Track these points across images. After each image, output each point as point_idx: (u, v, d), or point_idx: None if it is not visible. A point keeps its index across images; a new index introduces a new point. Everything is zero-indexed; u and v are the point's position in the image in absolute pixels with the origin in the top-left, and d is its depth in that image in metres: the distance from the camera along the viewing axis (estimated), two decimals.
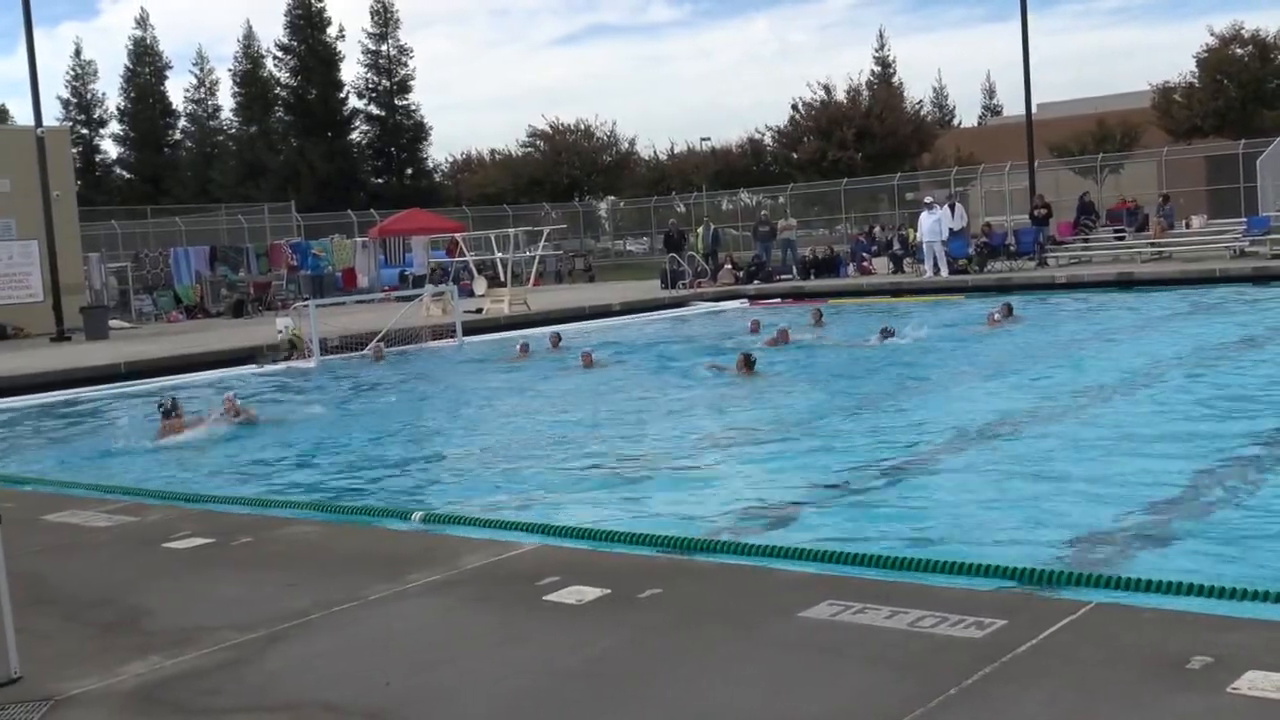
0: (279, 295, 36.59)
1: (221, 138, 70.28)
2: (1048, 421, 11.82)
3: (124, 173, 70.13)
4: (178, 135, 71.41)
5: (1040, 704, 4.03)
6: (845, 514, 8.56)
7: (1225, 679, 4.05)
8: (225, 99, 70.58)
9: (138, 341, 26.14)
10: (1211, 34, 49.86)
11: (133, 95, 69.43)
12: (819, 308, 23.49)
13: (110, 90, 71.63)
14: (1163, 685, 4.08)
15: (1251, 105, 47.62)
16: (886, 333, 18.75)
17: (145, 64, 69.98)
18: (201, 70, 71.35)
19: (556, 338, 21.10)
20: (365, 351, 21.59)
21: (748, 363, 15.83)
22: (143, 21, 70.27)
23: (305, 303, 23.50)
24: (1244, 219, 32.53)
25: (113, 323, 30.36)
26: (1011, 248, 32.38)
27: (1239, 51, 48.90)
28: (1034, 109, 36.79)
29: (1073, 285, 27.66)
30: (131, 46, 69.93)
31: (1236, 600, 5.33)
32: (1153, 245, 32.13)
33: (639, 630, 5.07)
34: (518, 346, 20.46)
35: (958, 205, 33.29)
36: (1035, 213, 33.59)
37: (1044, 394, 13.42)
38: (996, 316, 20.53)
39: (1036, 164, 37.38)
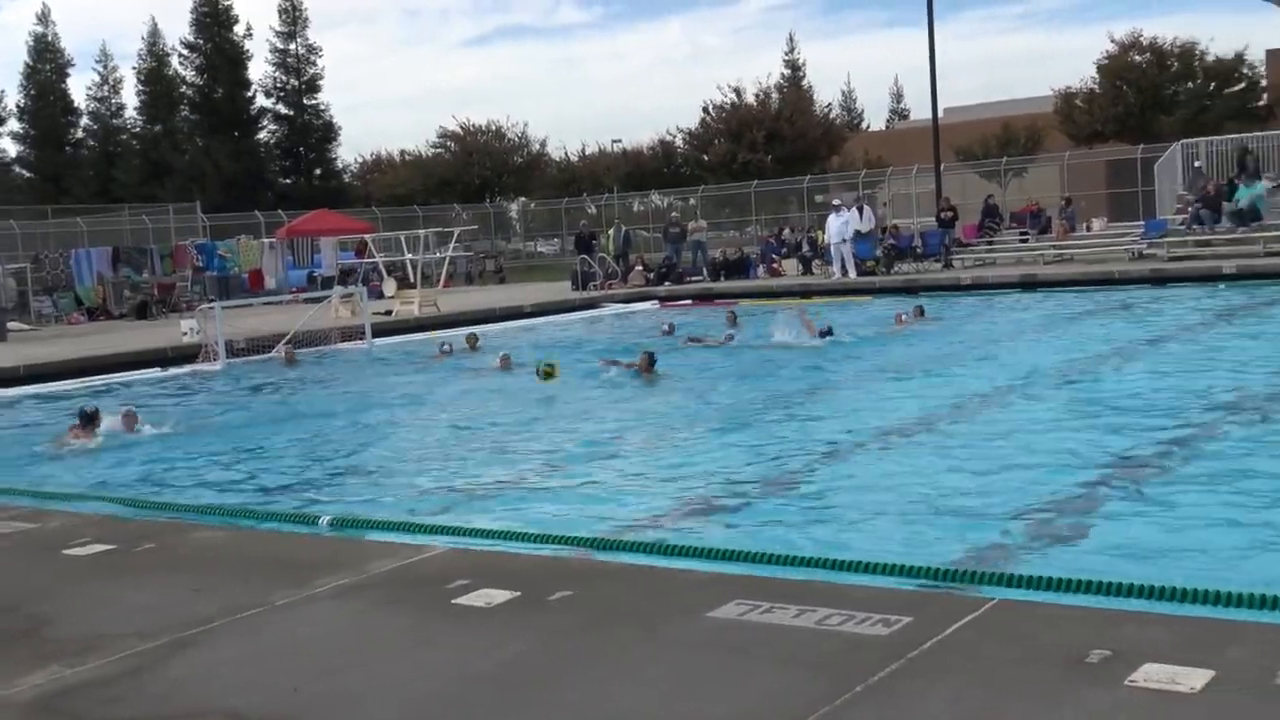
0: (184, 297, 36.01)
1: (125, 136, 69.01)
2: (951, 422, 11.98)
3: (24, 171, 68.52)
4: (80, 134, 69.96)
5: (945, 700, 4.09)
6: (754, 513, 8.62)
7: (1123, 672, 4.14)
8: (129, 97, 69.54)
9: (37, 344, 25.59)
10: (1112, 41, 50.96)
11: (33, 93, 67.79)
12: (733, 309, 23.60)
13: (9, 87, 70.16)
14: (1063, 679, 4.16)
15: (1150, 111, 48.68)
16: (825, 332, 18.83)
17: (46, 60, 68.41)
18: (105, 68, 70.15)
19: (474, 339, 20.99)
20: (274, 354, 21.32)
21: (649, 362, 15.83)
22: (44, 17, 68.83)
23: (211, 304, 23.15)
24: (1142, 222, 33.26)
25: (11, 325, 29.69)
26: (918, 249, 32.80)
27: (1138, 59, 49.95)
28: (940, 113, 37.27)
29: (977, 286, 28.08)
30: (32, 43, 68.37)
31: (1133, 597, 5.45)
32: (1055, 247, 32.75)
33: (548, 633, 5.07)
34: (439, 348, 20.32)
35: (865, 207, 33.68)
36: (941, 215, 34.05)
37: (947, 395, 13.59)
38: (904, 317, 20.75)
39: (943, 167, 37.89)
